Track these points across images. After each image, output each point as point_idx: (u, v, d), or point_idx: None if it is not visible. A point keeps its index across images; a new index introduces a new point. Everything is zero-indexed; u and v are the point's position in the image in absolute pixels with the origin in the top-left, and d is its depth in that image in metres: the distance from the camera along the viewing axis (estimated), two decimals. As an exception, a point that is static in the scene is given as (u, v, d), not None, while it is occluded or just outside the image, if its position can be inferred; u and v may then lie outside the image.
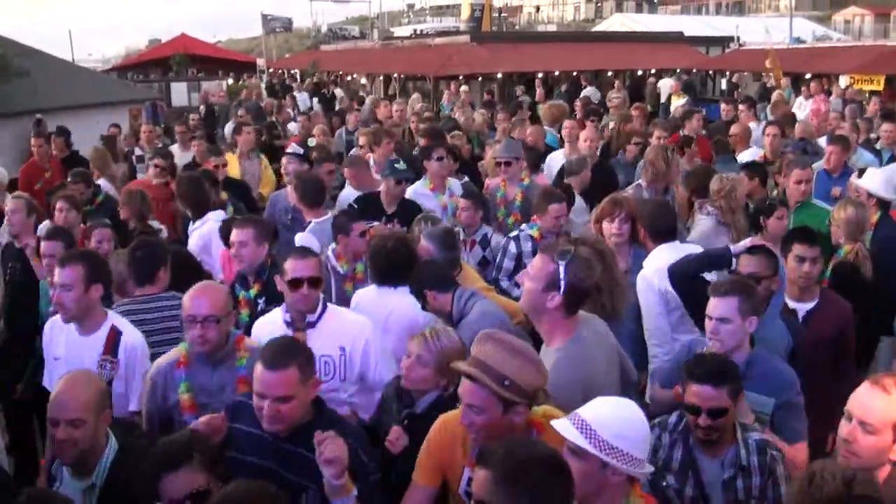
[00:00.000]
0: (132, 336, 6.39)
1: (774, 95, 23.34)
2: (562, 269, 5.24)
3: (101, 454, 5.01)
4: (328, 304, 6.60)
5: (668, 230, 7.85)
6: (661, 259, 7.56)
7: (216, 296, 5.85)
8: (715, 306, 5.63)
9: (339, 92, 36.85)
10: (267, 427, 4.72)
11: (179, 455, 4.42)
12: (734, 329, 5.59)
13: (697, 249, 7.74)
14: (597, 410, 4.07)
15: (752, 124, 15.69)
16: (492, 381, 4.33)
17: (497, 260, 8.84)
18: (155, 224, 9.97)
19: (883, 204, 8.89)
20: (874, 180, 9.04)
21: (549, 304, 5.27)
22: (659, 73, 38.57)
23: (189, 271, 7.63)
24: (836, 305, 7.02)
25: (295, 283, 6.31)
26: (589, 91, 29.35)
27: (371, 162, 12.33)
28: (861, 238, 8.13)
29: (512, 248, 8.69)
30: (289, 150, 11.10)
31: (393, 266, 7.20)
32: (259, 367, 4.69)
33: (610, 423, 3.99)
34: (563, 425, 4.06)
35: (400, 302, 7.10)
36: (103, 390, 5.12)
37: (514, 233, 8.91)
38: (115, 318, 6.46)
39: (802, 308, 7.06)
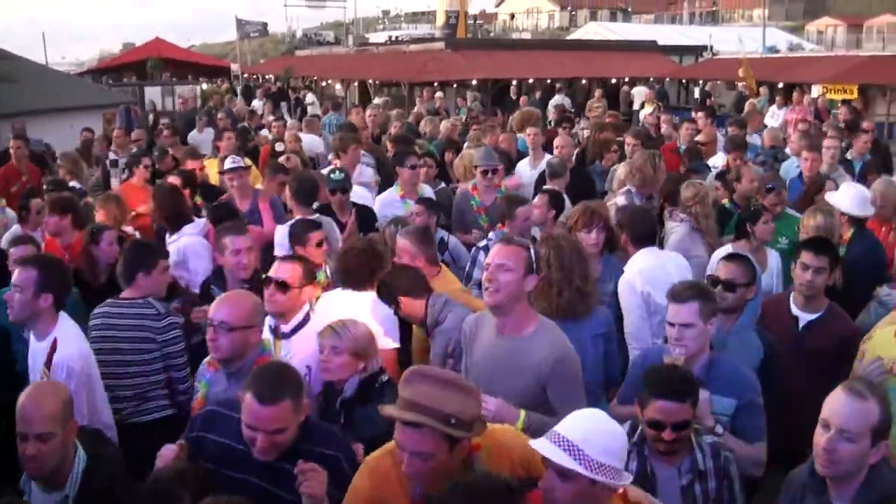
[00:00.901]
0: (65, 352, 6.14)
1: (747, 105, 23.46)
2: (533, 252, 5.54)
3: (72, 465, 4.91)
4: (311, 317, 6.54)
5: (648, 235, 7.90)
6: (642, 263, 7.62)
7: (238, 305, 5.70)
8: (677, 312, 5.60)
9: (310, 98, 36.56)
10: (260, 457, 4.59)
11: (168, 499, 4.36)
12: (697, 333, 5.57)
13: (677, 256, 7.79)
14: (578, 427, 3.98)
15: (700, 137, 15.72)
16: (439, 423, 4.06)
17: (466, 270, 8.78)
18: (129, 230, 9.87)
19: (856, 221, 8.90)
20: (845, 199, 8.99)
21: (527, 288, 5.45)
22: (632, 81, 38.73)
23: None
24: (842, 321, 6.98)
25: (266, 281, 6.37)
26: (558, 98, 29.37)
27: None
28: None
29: (481, 258, 8.48)
30: (227, 164, 10.85)
31: (353, 269, 7.21)
32: (250, 400, 4.51)
33: (595, 439, 3.91)
34: (547, 448, 3.93)
35: (360, 306, 7.01)
36: (68, 400, 4.95)
37: (483, 242, 8.84)
38: (60, 329, 6.29)
39: (805, 317, 7.04)
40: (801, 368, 6.44)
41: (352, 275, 7.22)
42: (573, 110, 25.23)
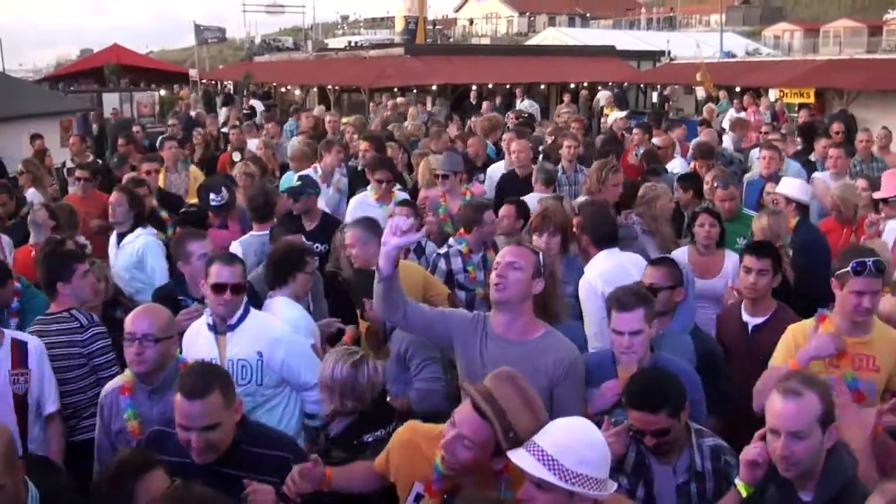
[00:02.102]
0: (34, 341, 6.32)
1: (705, 111, 23.55)
2: (541, 256, 5.62)
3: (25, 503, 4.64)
4: (251, 308, 6.52)
5: (609, 236, 7.88)
6: (602, 264, 7.59)
7: (157, 316, 5.71)
8: (624, 321, 5.62)
9: (256, 104, 35.86)
10: (199, 460, 4.62)
11: (148, 460, 4.39)
12: (644, 339, 5.62)
13: (636, 257, 7.81)
14: (555, 437, 3.96)
15: (655, 140, 15.75)
16: (499, 427, 4.16)
17: None
18: (80, 239, 9.78)
19: (801, 209, 9.11)
20: (791, 186, 9.29)
21: (534, 291, 5.50)
22: (592, 86, 38.88)
23: None
24: (788, 322, 6.71)
25: (218, 288, 6.26)
26: (525, 104, 29.42)
27: (319, 171, 12.23)
28: (778, 244, 8.18)
29: (442, 265, 8.64)
30: (213, 202, 10.71)
31: (269, 272, 7.27)
32: (179, 399, 4.57)
33: (571, 449, 3.89)
34: (523, 458, 3.93)
35: (275, 307, 7.08)
36: (10, 440, 4.66)
37: (444, 249, 8.85)
38: (11, 333, 6.32)
39: (752, 321, 7.08)
40: (756, 373, 6.44)
41: (269, 279, 7.28)
42: (527, 115, 25.13)
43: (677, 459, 4.94)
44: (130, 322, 5.63)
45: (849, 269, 5.73)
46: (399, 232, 5.21)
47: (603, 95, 33.28)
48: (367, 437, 5.34)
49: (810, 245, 8.65)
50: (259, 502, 4.34)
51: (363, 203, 10.52)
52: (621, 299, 5.71)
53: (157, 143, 15.42)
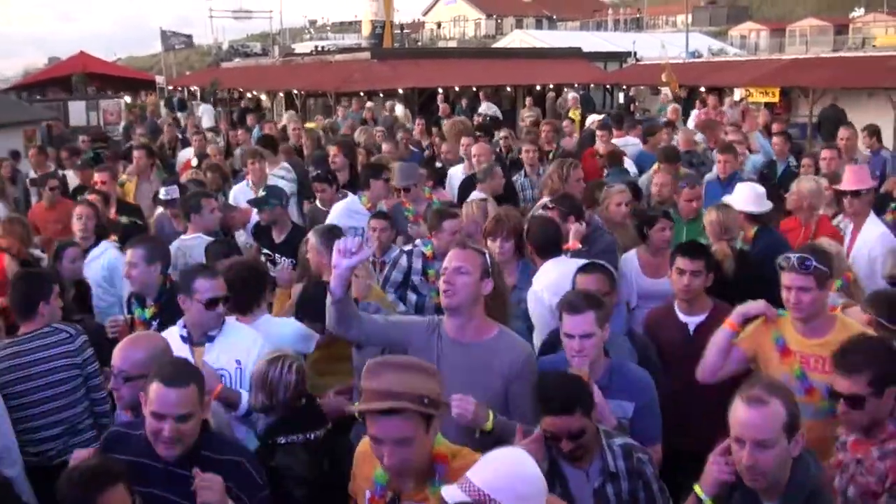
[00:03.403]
0: None
1: (670, 111, 23.57)
2: (488, 257, 5.65)
3: None
4: (226, 318, 6.51)
5: (553, 245, 7.87)
6: (549, 275, 7.56)
7: (134, 352, 5.34)
8: (576, 324, 5.60)
9: (201, 110, 35.23)
10: (165, 452, 4.59)
11: (115, 472, 4.30)
12: (597, 342, 5.62)
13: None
14: (489, 474, 3.77)
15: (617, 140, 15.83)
16: (416, 405, 4.09)
17: (385, 272, 8.79)
18: (36, 252, 9.69)
19: (754, 218, 9.01)
20: (740, 198, 9.11)
21: (483, 292, 5.51)
22: (558, 87, 38.92)
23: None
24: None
25: (212, 303, 6.27)
26: (483, 107, 29.36)
27: (249, 183, 12.23)
28: (726, 238, 8.33)
29: (403, 261, 8.67)
30: (162, 196, 10.61)
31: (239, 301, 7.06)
32: (157, 386, 4.52)
33: (507, 486, 3.71)
34: (456, 496, 3.74)
35: (264, 327, 6.97)
36: None
37: (408, 247, 8.87)
38: None
39: (692, 321, 7.06)
40: (694, 372, 6.45)
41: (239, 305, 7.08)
42: (492, 117, 25.11)
43: (590, 464, 4.92)
44: (114, 355, 5.42)
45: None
46: (348, 254, 5.18)
47: (570, 97, 33.31)
48: (280, 440, 5.54)
49: (773, 251, 8.63)
50: (207, 490, 4.35)
51: (354, 210, 10.35)
52: (572, 303, 5.72)
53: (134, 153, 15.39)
